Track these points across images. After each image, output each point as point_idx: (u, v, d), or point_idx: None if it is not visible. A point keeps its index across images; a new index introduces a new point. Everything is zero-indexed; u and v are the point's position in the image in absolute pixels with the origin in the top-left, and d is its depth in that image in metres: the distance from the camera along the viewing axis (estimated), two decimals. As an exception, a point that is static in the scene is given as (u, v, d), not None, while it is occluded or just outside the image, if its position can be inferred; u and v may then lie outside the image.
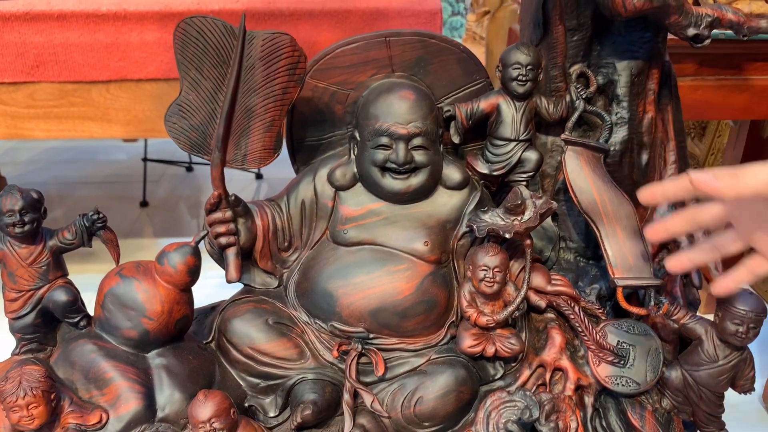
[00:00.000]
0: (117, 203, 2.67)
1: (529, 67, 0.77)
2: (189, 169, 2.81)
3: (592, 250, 0.84)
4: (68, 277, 0.73)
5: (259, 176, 2.63)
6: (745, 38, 0.75)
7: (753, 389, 0.74)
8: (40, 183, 2.77)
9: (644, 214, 0.87)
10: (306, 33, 1.46)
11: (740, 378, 0.73)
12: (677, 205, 0.88)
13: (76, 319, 0.72)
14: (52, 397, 0.63)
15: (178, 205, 2.69)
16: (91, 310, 0.73)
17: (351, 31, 1.48)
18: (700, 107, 1.26)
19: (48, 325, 0.73)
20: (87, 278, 0.89)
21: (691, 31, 0.73)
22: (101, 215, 0.72)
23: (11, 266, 0.69)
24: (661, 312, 0.73)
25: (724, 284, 0.63)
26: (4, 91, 1.49)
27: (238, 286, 0.82)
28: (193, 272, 0.71)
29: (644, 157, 0.83)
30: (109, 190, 2.77)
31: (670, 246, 0.87)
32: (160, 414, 0.67)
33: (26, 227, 0.68)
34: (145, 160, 2.53)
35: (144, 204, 2.61)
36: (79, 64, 1.47)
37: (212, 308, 0.83)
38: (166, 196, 2.74)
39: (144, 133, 1.55)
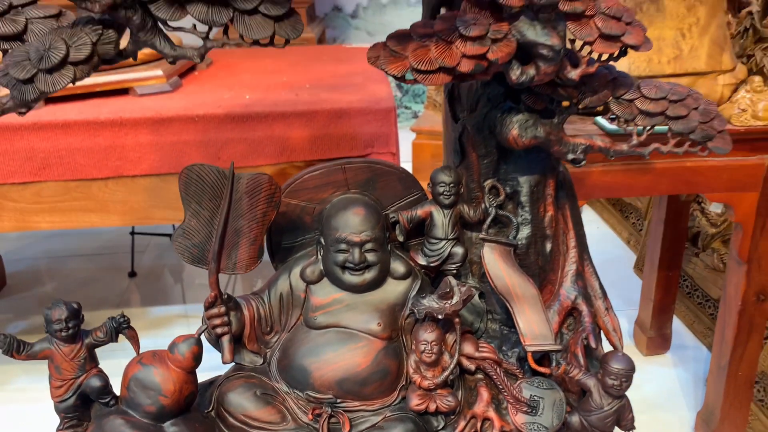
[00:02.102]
0: (106, 274, 2.84)
1: (451, 185, 1.00)
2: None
3: (513, 321, 1.06)
4: (99, 366, 0.93)
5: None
6: (612, 158, 0.99)
7: (634, 428, 0.95)
8: (31, 258, 2.93)
9: (552, 289, 1.10)
10: (280, 131, 1.69)
11: (622, 420, 0.94)
12: (579, 281, 1.11)
13: (107, 400, 0.91)
14: (93, 461, 0.82)
15: (164, 273, 2.86)
16: (117, 392, 0.93)
17: (319, 127, 1.71)
18: (611, 188, 1.51)
19: (85, 406, 0.92)
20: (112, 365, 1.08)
21: (570, 156, 0.97)
22: (125, 318, 0.93)
23: (57, 361, 0.89)
24: (560, 371, 0.95)
25: None
26: (15, 190, 1.69)
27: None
28: (198, 358, 0.91)
29: (548, 246, 1.06)
30: (99, 262, 2.94)
31: (574, 314, 1.10)
32: (175, 472, 0.87)
33: (70, 332, 0.88)
34: (132, 233, 2.72)
35: (132, 274, 2.79)
36: (81, 164, 1.67)
37: (210, 383, 1.03)
38: (151, 265, 2.92)
39: (139, 221, 1.76)
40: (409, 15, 3.84)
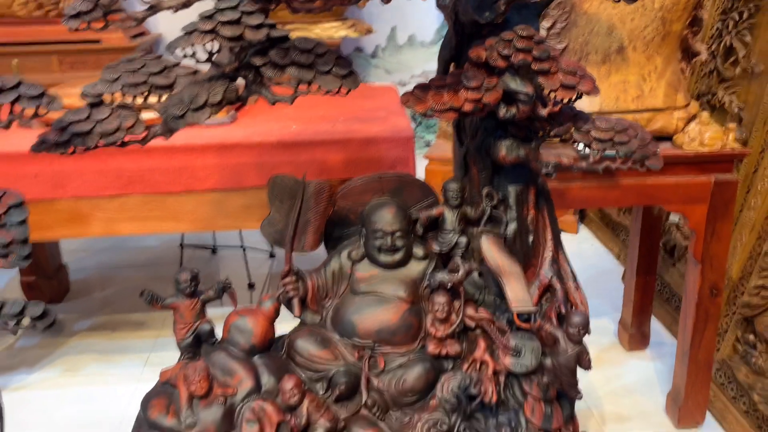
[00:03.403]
0: (155, 282, 3.20)
1: (458, 191, 1.38)
2: (214, 251, 3.37)
3: (503, 291, 1.43)
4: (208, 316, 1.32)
5: (272, 255, 3.19)
6: (575, 171, 1.36)
7: (590, 367, 1.30)
8: (90, 268, 3.30)
9: (534, 271, 1.46)
10: (320, 155, 2.06)
11: (582, 360, 1.30)
12: (554, 265, 1.48)
13: (213, 341, 1.29)
14: (210, 377, 1.19)
15: (203, 281, 3.21)
16: (220, 336, 1.30)
17: (351, 152, 2.08)
18: (587, 200, 1.88)
19: (198, 344, 1.30)
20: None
21: (544, 171, 1.34)
22: (229, 282, 1.31)
23: (181, 310, 1.27)
24: (536, 324, 1.32)
25: None
26: (104, 202, 2.06)
27: (297, 321, 1.39)
28: (277, 311, 1.29)
29: (530, 239, 1.43)
30: (148, 271, 3.31)
31: (550, 290, 1.46)
32: (263, 389, 1.24)
33: (192, 289, 1.26)
34: (182, 245, 3.10)
35: (179, 281, 3.13)
36: (159, 181, 2.05)
37: (279, 338, 1.40)
38: (195, 275, 3.26)
39: (204, 228, 2.13)
40: (423, 54, 4.26)
